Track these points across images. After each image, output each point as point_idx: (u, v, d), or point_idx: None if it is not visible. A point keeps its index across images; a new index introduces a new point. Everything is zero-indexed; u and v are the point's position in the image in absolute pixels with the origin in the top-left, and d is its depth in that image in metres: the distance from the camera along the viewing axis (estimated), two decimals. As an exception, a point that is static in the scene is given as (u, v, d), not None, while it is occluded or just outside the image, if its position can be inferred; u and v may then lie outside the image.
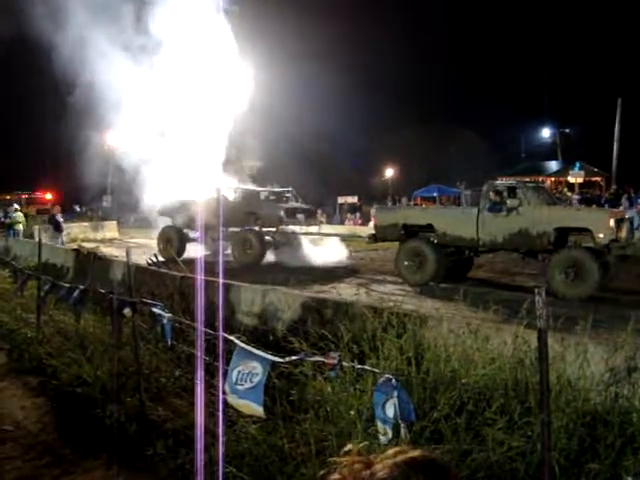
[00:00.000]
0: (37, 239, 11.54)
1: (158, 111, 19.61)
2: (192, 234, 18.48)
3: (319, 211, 24.44)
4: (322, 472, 1.15)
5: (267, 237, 17.87)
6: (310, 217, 19.27)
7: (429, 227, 13.62)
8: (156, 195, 19.65)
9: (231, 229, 17.73)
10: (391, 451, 1.10)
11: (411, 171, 41.59)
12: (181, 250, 18.19)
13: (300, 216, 18.58)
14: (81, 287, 7.13)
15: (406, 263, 13.64)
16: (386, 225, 14.46)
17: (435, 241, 13.51)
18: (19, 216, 23.14)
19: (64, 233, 22.64)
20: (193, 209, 17.69)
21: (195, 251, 15.54)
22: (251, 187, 19.50)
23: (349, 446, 1.16)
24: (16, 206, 24.25)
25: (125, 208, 30.39)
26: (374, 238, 14.98)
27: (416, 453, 1.08)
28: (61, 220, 22.64)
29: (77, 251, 13.54)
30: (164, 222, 19.95)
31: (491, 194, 13.00)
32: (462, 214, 13.99)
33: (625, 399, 3.89)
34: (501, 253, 14.48)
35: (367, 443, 1.42)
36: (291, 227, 18.29)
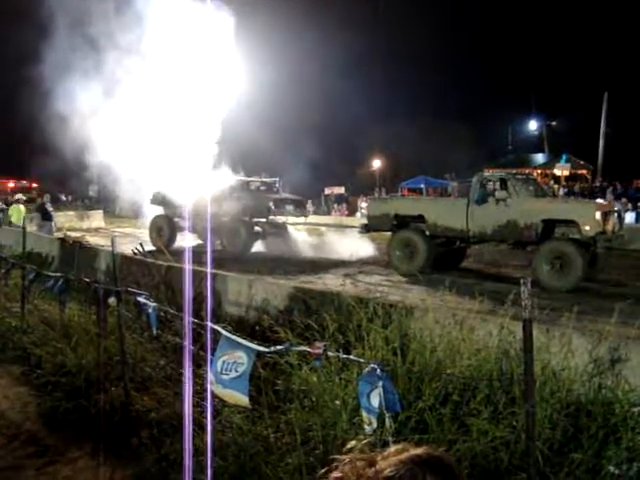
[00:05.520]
0: (22, 227, 11.39)
1: (147, 98, 19.36)
2: (183, 223, 18.33)
3: (309, 202, 24.40)
4: (323, 470, 1.12)
5: (256, 227, 17.80)
6: (300, 208, 19.19)
7: (420, 218, 13.69)
8: (143, 185, 19.43)
9: (221, 219, 17.61)
10: (393, 449, 1.08)
11: (398, 162, 41.59)
12: (172, 239, 18.09)
13: (290, 207, 18.50)
14: (66, 276, 7.06)
15: (397, 253, 13.76)
16: (378, 215, 14.53)
17: (426, 232, 13.58)
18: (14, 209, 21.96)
19: (54, 222, 22.17)
20: (183, 198, 17.53)
21: (188, 241, 15.47)
22: (241, 177, 19.34)
23: (352, 443, 1.13)
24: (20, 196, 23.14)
25: (111, 197, 30.08)
26: (366, 228, 15.06)
27: (420, 450, 1.07)
28: (50, 209, 22.24)
29: (62, 240, 13.41)
30: (151, 211, 19.77)
31: (480, 186, 13.08)
32: (452, 205, 14.11)
33: (608, 390, 3.92)
34: (489, 244, 14.55)
35: (370, 440, 1.39)
36: (280, 218, 18.21)
